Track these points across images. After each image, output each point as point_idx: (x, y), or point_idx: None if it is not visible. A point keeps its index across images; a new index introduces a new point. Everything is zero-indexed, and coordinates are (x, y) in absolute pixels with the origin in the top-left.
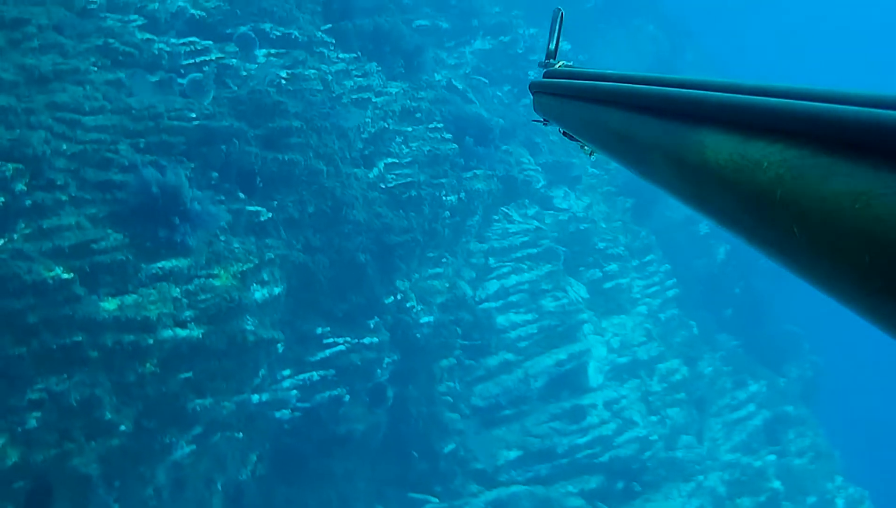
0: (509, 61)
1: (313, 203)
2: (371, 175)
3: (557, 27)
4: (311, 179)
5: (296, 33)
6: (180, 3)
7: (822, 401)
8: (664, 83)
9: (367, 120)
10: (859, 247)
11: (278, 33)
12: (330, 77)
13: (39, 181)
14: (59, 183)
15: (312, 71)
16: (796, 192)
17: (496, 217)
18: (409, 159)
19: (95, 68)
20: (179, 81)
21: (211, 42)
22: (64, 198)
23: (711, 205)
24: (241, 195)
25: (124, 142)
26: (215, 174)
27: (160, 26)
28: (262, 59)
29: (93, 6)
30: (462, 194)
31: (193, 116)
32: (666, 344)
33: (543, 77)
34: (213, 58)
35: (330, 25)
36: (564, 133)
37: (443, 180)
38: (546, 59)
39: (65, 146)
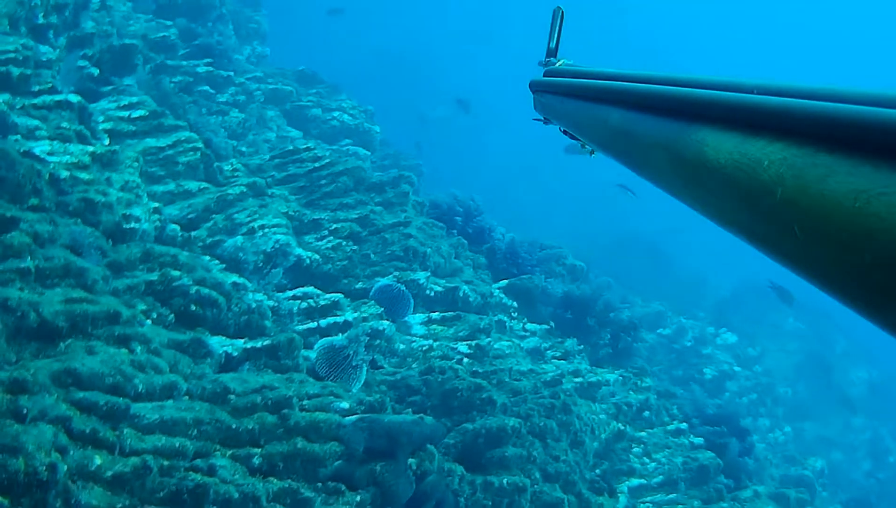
0: (677, 359)
1: None
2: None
3: (558, 26)
4: None
5: (465, 289)
6: (279, 237)
7: None
8: (665, 82)
9: (602, 419)
10: (860, 245)
11: (438, 288)
12: (528, 356)
13: None
14: None
15: (506, 344)
16: (797, 190)
17: None
18: (659, 478)
19: (148, 321)
20: (303, 352)
21: (339, 296)
22: None
23: (712, 204)
24: None
25: (223, 454)
26: None
27: (246, 275)
28: (419, 327)
29: (133, 224)
30: None
31: (345, 406)
32: None
33: (544, 76)
34: (350, 319)
35: (506, 283)
36: (564, 132)
37: (723, 506)
38: (546, 57)
39: (98, 461)
